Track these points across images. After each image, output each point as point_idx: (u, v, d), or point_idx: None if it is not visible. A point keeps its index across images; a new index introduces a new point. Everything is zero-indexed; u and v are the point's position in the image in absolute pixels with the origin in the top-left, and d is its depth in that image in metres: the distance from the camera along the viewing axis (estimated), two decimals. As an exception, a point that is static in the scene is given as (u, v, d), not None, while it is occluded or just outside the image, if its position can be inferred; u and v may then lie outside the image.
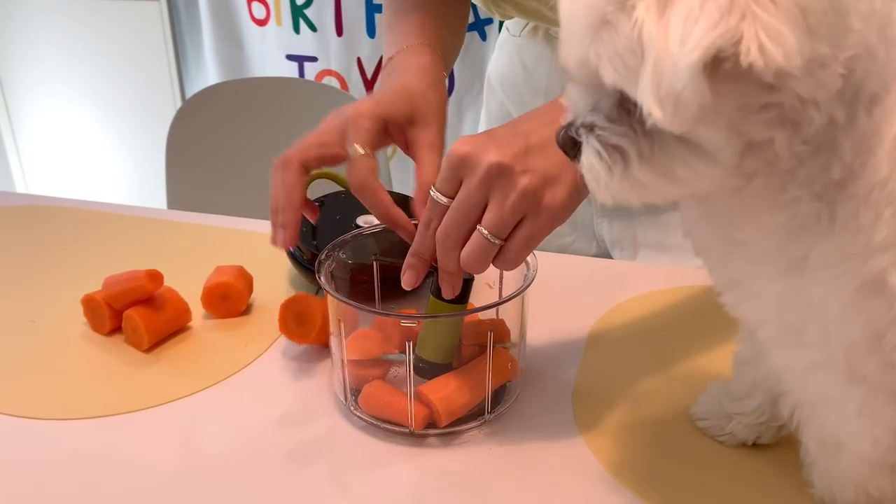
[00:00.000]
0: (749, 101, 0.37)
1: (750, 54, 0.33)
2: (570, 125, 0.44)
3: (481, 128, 1.12)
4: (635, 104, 0.37)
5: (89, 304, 0.73)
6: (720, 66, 0.35)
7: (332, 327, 0.62)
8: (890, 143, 0.39)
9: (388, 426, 0.60)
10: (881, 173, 0.39)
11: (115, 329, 0.73)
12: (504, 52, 1.00)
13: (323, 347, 0.69)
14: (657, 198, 0.42)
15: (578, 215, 0.96)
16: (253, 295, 0.78)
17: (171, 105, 2.24)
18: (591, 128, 0.42)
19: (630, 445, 0.59)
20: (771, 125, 0.38)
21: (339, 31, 1.98)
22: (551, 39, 0.88)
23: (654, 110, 0.35)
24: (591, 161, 0.42)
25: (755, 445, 0.58)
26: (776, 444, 0.58)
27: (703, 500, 0.54)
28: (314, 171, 0.65)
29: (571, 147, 0.44)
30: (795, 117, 0.38)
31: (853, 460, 0.48)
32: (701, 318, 0.74)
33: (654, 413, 0.63)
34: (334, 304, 0.61)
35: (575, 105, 0.44)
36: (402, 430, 0.60)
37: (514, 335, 0.64)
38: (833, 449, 0.49)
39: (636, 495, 0.54)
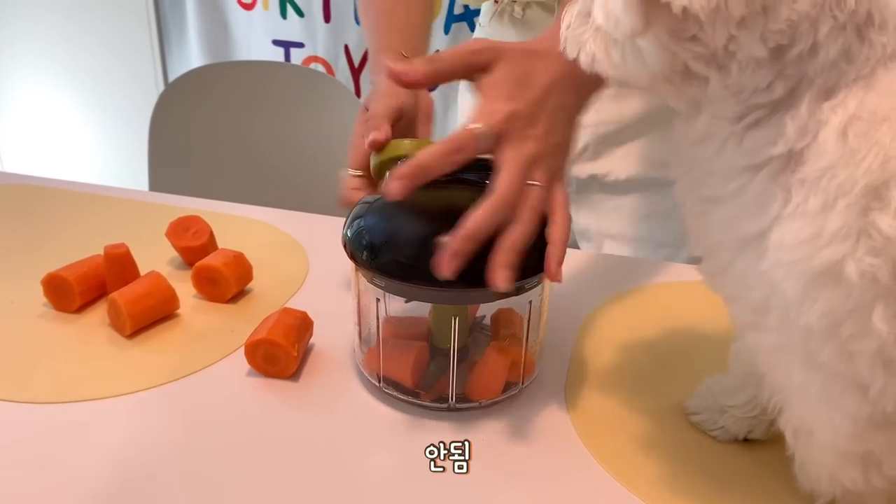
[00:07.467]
0: (679, 26, 0.42)
1: None
2: None
3: (460, 120, 1.12)
4: None
5: (51, 283, 0.72)
6: None
7: (365, 306, 0.62)
8: (834, 131, 0.40)
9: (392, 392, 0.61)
10: (825, 160, 0.41)
11: (83, 306, 0.73)
12: None
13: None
14: (605, 68, 0.48)
15: None
16: (251, 283, 0.77)
17: (153, 87, 2.21)
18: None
19: (622, 438, 0.59)
20: (701, 60, 0.43)
21: (327, 18, 1.96)
22: (516, 23, 0.92)
23: (599, 19, 0.43)
24: (568, 19, 0.50)
25: (746, 441, 0.59)
26: (767, 441, 0.58)
27: (691, 492, 0.54)
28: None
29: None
30: (723, 62, 0.42)
31: (822, 449, 0.48)
32: (697, 314, 0.74)
33: (647, 406, 0.62)
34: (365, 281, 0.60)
35: None
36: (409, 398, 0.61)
37: (533, 324, 0.63)
38: (806, 438, 0.49)
39: (626, 487, 0.54)
